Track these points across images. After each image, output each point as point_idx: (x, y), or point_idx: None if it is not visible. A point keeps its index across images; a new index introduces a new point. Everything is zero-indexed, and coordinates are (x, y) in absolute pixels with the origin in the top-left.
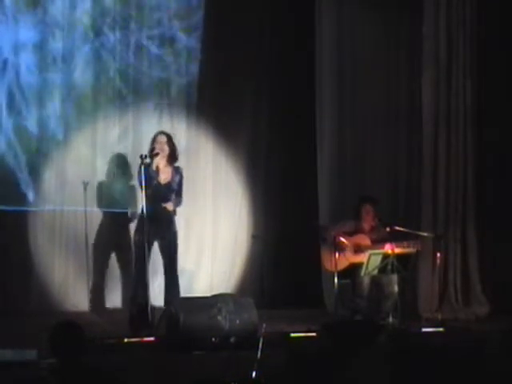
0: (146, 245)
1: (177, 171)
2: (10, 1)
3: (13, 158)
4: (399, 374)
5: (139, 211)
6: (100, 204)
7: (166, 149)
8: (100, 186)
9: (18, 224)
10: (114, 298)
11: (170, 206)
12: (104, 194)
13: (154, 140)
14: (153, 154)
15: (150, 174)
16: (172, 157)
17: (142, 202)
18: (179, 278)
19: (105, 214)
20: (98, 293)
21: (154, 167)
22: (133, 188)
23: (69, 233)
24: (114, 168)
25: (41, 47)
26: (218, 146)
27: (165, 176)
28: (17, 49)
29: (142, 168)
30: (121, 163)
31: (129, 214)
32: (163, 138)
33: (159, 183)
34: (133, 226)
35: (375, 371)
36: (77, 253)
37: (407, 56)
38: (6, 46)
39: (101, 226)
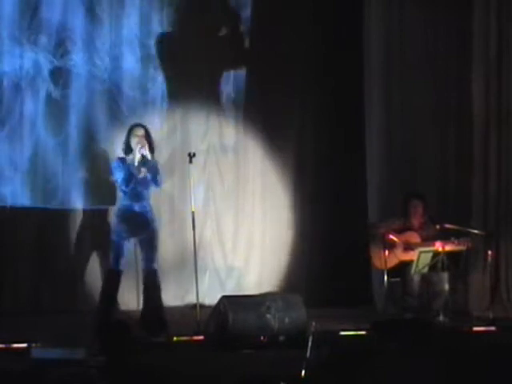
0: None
1: (153, 164)
2: None
3: (63, 158)
4: (449, 374)
5: (117, 209)
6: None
7: (145, 143)
8: None
9: (66, 223)
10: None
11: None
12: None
13: (130, 134)
14: (138, 148)
15: (130, 170)
16: (150, 150)
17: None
18: (227, 275)
19: None
20: None
21: (135, 162)
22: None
23: None
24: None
25: None
26: (266, 145)
27: (142, 170)
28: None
29: (191, 166)
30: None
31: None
32: (141, 131)
33: (137, 179)
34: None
35: (424, 370)
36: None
37: (456, 54)
38: None
39: None
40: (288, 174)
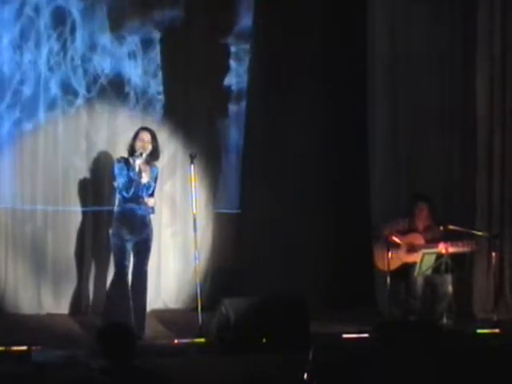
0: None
1: (154, 171)
2: None
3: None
4: (452, 376)
5: (117, 211)
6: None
7: (149, 147)
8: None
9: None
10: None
11: (151, 201)
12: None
13: (135, 137)
14: (136, 154)
15: (132, 176)
16: (154, 155)
17: (118, 202)
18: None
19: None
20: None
21: (136, 168)
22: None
23: None
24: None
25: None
26: (268, 146)
27: (144, 176)
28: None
29: (192, 167)
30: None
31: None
32: (147, 136)
33: (139, 183)
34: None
35: (428, 372)
36: None
37: (461, 54)
38: None
39: None
40: (290, 175)
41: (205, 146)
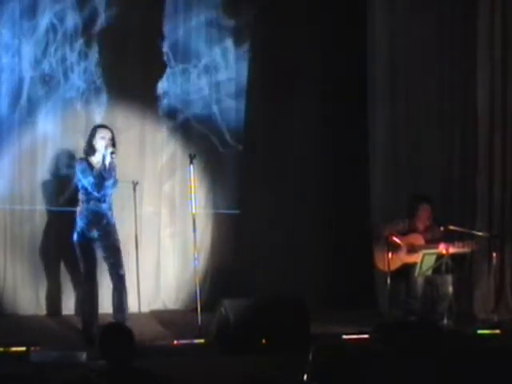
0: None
1: (114, 168)
2: None
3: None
4: (453, 376)
5: (83, 210)
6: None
7: (110, 144)
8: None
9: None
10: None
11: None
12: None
13: (95, 135)
14: (107, 151)
15: (102, 175)
16: (115, 153)
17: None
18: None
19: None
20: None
21: (106, 167)
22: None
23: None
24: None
25: None
26: (268, 148)
27: (109, 174)
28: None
29: (192, 167)
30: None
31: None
32: (108, 134)
33: (105, 182)
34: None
35: (427, 372)
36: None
37: (461, 54)
38: None
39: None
40: (290, 175)
41: (204, 146)
